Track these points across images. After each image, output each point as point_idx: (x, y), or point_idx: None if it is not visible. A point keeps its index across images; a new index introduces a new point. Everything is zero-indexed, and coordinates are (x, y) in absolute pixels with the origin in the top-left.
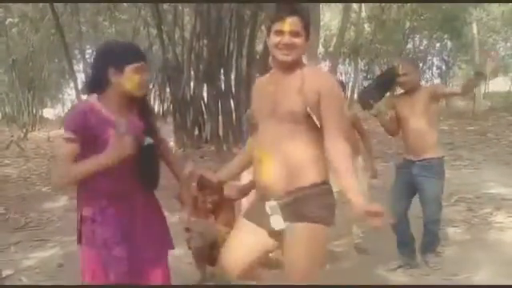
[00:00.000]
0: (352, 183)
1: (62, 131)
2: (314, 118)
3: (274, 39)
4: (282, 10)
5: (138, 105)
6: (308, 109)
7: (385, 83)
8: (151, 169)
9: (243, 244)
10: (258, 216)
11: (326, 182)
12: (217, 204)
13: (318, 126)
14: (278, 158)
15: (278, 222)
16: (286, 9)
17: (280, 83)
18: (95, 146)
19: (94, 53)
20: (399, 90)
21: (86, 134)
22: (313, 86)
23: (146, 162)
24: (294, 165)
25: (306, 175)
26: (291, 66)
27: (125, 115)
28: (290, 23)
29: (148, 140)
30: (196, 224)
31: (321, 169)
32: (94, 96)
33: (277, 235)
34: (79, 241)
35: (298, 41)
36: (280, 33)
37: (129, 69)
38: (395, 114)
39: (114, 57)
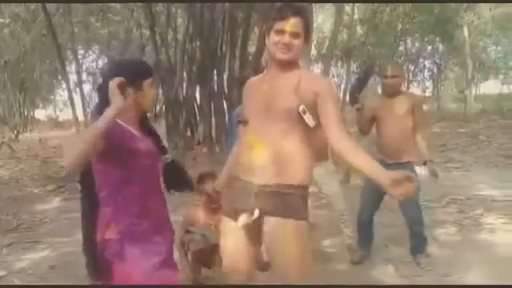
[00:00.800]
0: (370, 162)
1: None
2: (306, 116)
3: (274, 38)
4: (285, 10)
5: (143, 125)
6: (302, 106)
7: (363, 78)
8: (181, 179)
9: (240, 247)
10: (240, 204)
11: (306, 187)
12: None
13: (311, 125)
14: (270, 153)
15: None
16: (289, 9)
17: (275, 82)
18: (125, 160)
19: (106, 73)
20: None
21: (114, 149)
22: (309, 85)
23: (173, 176)
24: (285, 162)
25: (295, 175)
26: (288, 66)
27: (143, 132)
28: (291, 24)
29: (167, 157)
30: (198, 226)
31: (308, 172)
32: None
33: (256, 229)
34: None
35: (297, 42)
36: (281, 32)
37: (146, 83)
38: (373, 113)
39: (132, 75)
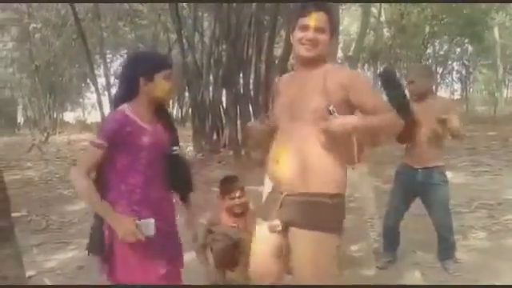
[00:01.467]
0: (369, 119)
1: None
2: (332, 117)
3: (299, 34)
4: (308, 6)
5: (162, 117)
6: (331, 107)
7: (384, 84)
8: (181, 176)
9: (269, 252)
10: (268, 209)
11: (340, 195)
12: (244, 207)
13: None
14: (297, 160)
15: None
16: (312, 4)
17: (302, 82)
18: (131, 151)
19: (123, 64)
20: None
21: (121, 142)
22: (335, 80)
23: (175, 171)
24: (313, 168)
25: (324, 182)
26: (314, 63)
27: (154, 124)
28: (315, 18)
29: (175, 149)
30: (219, 226)
31: (338, 180)
32: (125, 106)
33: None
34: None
35: (322, 37)
36: (305, 28)
37: (158, 76)
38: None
39: (143, 66)
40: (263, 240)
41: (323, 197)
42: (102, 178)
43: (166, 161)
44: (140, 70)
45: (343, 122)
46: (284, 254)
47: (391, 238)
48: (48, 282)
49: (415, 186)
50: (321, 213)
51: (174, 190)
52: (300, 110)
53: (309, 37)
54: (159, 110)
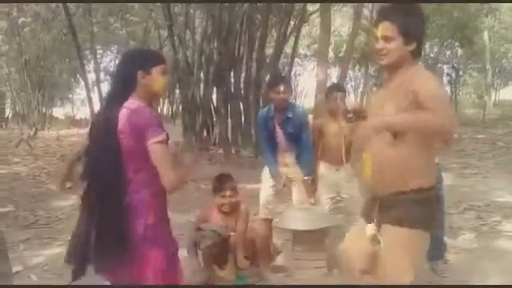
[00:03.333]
0: (400, 117)
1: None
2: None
3: (376, 44)
4: (377, 17)
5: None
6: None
7: None
8: None
9: (360, 249)
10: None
11: (430, 188)
12: (233, 207)
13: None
14: (382, 162)
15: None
16: (378, 15)
17: (386, 87)
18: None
19: (119, 61)
20: None
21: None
22: (409, 86)
23: None
24: (390, 169)
25: (409, 180)
26: (392, 70)
27: None
28: (380, 29)
29: None
30: (208, 223)
31: (425, 175)
32: (134, 102)
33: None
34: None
35: (390, 45)
36: (377, 38)
37: (156, 70)
38: None
39: (141, 60)
40: (356, 236)
41: (411, 193)
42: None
43: None
44: (138, 64)
45: (377, 119)
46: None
47: None
48: (35, 278)
49: None
50: (411, 210)
51: None
52: (383, 113)
53: (378, 46)
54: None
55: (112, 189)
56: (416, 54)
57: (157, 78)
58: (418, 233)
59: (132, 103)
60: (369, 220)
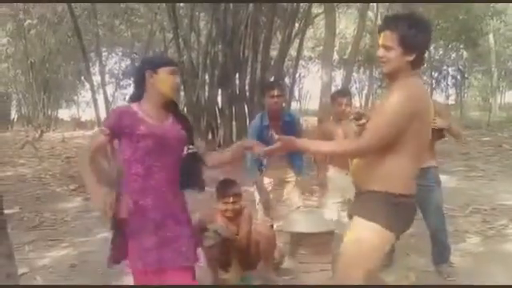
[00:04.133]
0: (312, 143)
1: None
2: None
3: (378, 51)
4: (381, 24)
5: (173, 113)
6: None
7: None
8: (193, 175)
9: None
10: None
11: (401, 195)
12: (237, 212)
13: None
14: (366, 159)
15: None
16: (382, 23)
17: (387, 94)
18: (131, 141)
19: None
20: None
21: (121, 131)
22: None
23: (187, 169)
24: (370, 168)
25: (379, 181)
26: (391, 78)
27: (161, 119)
28: (382, 37)
29: (191, 148)
30: (211, 223)
31: (393, 180)
32: (136, 103)
33: None
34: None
35: (390, 55)
36: (379, 46)
37: (162, 70)
38: None
39: (149, 61)
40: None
41: (385, 195)
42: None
43: (183, 158)
44: (146, 64)
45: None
46: None
47: None
48: (40, 280)
49: None
50: (381, 207)
51: (185, 188)
52: None
53: (378, 54)
54: (170, 109)
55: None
56: (416, 64)
57: (163, 78)
58: (385, 232)
59: (126, 103)
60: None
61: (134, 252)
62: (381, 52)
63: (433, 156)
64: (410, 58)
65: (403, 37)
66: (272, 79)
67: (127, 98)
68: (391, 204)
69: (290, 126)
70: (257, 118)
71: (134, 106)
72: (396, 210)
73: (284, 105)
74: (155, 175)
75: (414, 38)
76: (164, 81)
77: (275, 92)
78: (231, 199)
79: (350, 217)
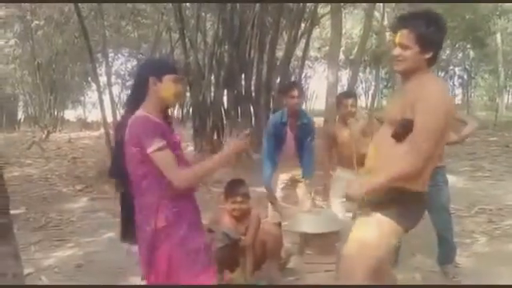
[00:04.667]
0: (383, 176)
1: (82, 134)
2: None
3: (393, 50)
4: (396, 23)
5: (164, 118)
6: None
7: None
8: None
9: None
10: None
11: (414, 192)
12: (244, 213)
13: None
14: (380, 155)
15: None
16: (399, 21)
17: (400, 92)
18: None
19: (137, 68)
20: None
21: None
22: (413, 96)
23: None
24: (386, 163)
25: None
26: (406, 76)
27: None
28: (399, 36)
29: None
30: (219, 225)
31: (419, 179)
32: (141, 111)
33: None
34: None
35: (406, 53)
36: (394, 44)
37: (167, 78)
38: None
39: (154, 67)
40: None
41: (397, 192)
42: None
43: None
44: (151, 69)
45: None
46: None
47: None
48: (45, 280)
49: None
50: (393, 204)
51: None
52: (388, 115)
53: (394, 53)
54: (167, 116)
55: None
56: (432, 61)
57: (167, 86)
58: (394, 224)
59: (138, 111)
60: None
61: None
62: (397, 51)
63: (440, 156)
64: (428, 55)
65: (420, 35)
66: (278, 80)
67: (126, 100)
68: (406, 200)
69: (306, 128)
70: (277, 115)
71: (147, 115)
72: (409, 207)
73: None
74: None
75: (432, 35)
76: (168, 89)
77: (295, 92)
78: (239, 198)
79: (354, 216)
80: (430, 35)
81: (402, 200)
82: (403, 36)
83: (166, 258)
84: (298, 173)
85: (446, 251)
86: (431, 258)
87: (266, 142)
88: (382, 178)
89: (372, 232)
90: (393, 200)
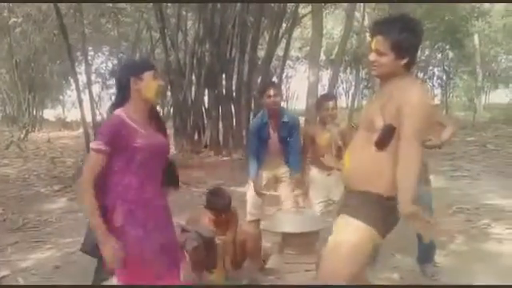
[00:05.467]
0: (404, 187)
1: (62, 133)
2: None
3: (369, 55)
4: (372, 29)
5: (155, 121)
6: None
7: None
8: (175, 176)
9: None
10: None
11: (390, 198)
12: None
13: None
14: (355, 160)
15: None
16: (373, 28)
17: (378, 93)
18: (126, 153)
19: (117, 71)
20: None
21: (118, 144)
22: (395, 101)
23: (170, 172)
24: (366, 170)
25: (373, 183)
26: (383, 79)
27: (147, 127)
28: (374, 42)
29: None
30: (194, 225)
31: (387, 184)
32: (120, 110)
33: None
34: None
35: (382, 59)
36: (371, 49)
37: (146, 75)
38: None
39: (133, 67)
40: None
41: (374, 196)
42: (101, 181)
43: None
44: (130, 70)
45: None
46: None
47: None
48: (22, 282)
49: None
50: (367, 208)
51: (166, 187)
52: (367, 121)
53: (370, 58)
54: (152, 114)
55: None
56: (409, 66)
57: (148, 84)
58: (371, 230)
59: (117, 110)
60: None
61: (132, 261)
62: (373, 57)
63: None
64: (403, 61)
65: (395, 42)
66: (259, 79)
67: (109, 106)
68: (382, 206)
69: (289, 126)
70: (258, 116)
71: (124, 116)
72: (386, 212)
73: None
74: (148, 187)
75: (406, 42)
76: (149, 86)
77: (271, 92)
78: (219, 211)
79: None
80: (404, 41)
81: (381, 206)
82: (378, 42)
83: (128, 255)
84: (281, 171)
85: (426, 250)
86: (410, 257)
87: (250, 143)
88: (407, 180)
89: (350, 237)
90: (372, 206)
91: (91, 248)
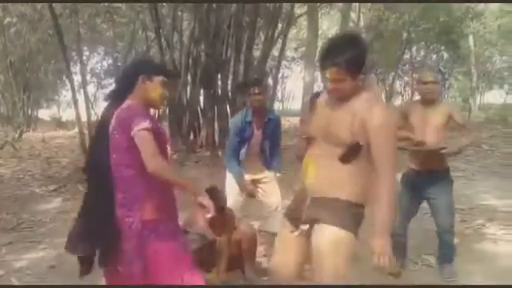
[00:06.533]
0: (381, 219)
1: (57, 133)
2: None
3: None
4: (322, 62)
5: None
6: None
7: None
8: None
9: (292, 245)
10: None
11: (359, 205)
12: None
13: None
14: (321, 170)
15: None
16: (323, 60)
17: (335, 113)
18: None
19: (128, 64)
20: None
21: (153, 127)
22: (362, 120)
23: None
24: (333, 179)
25: (342, 191)
26: (343, 98)
27: None
28: (329, 73)
29: None
30: (195, 226)
31: (355, 191)
32: (132, 102)
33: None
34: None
35: (340, 86)
36: (327, 80)
37: (157, 79)
38: (406, 122)
39: (147, 66)
40: (288, 239)
41: (343, 202)
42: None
43: None
44: (143, 68)
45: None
46: (306, 252)
47: (399, 244)
48: (16, 282)
49: (420, 190)
50: (340, 214)
51: None
52: (331, 136)
53: (329, 87)
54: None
55: (105, 185)
56: (359, 76)
57: (156, 87)
58: (349, 234)
59: (127, 101)
60: (293, 221)
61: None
62: (332, 85)
63: (442, 157)
64: (359, 76)
65: (349, 66)
66: (252, 78)
67: (109, 92)
68: (353, 213)
69: (273, 125)
70: (239, 114)
71: (135, 103)
72: (359, 218)
73: (267, 102)
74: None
75: (358, 60)
76: (156, 89)
77: (255, 89)
78: (215, 211)
79: (309, 222)
80: (356, 62)
81: (353, 213)
82: (333, 73)
83: (152, 253)
84: (262, 176)
85: (446, 252)
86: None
87: (231, 142)
88: (385, 213)
89: (342, 250)
90: (349, 213)
91: (72, 246)
